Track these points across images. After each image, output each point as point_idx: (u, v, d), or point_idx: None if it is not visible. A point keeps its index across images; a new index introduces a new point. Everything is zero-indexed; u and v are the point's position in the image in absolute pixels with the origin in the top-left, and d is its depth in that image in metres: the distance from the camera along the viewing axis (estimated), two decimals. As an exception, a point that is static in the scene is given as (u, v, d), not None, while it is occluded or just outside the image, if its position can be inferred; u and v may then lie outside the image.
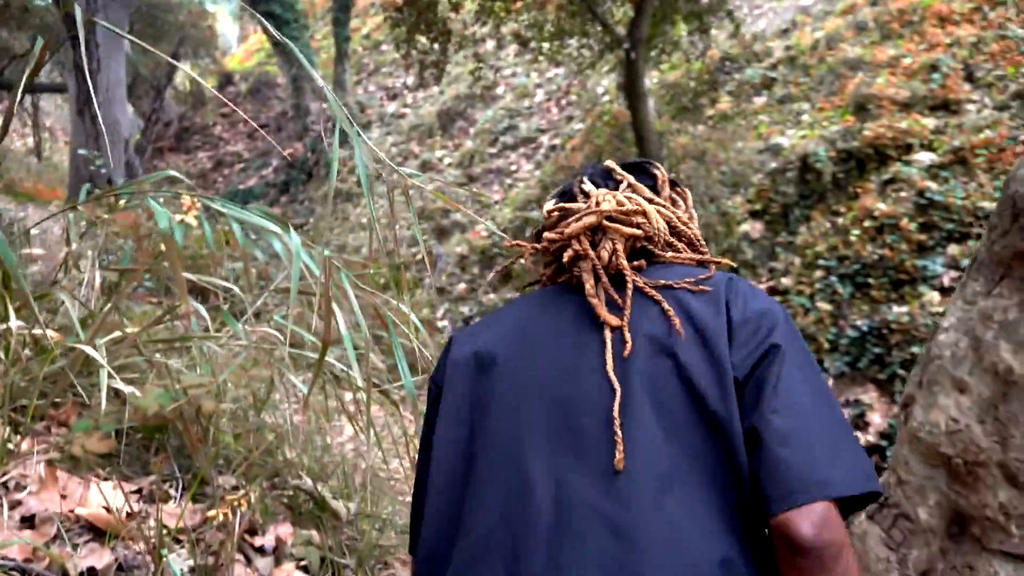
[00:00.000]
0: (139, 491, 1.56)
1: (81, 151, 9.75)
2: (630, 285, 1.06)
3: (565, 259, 1.11)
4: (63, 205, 10.07)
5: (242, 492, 1.61)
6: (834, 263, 7.50)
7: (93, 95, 9.84)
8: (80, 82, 10.11)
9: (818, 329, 7.11)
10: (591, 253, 1.08)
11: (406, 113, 16.57)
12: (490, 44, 16.58)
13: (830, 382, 6.80)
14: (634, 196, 1.17)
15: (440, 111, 15.43)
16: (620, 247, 1.09)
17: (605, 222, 1.09)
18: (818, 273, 7.56)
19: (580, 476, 0.94)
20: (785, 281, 7.86)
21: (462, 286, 10.64)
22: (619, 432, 0.93)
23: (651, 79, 10.26)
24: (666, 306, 1.02)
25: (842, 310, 7.16)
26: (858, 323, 6.95)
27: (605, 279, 1.07)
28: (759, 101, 10.26)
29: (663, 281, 1.06)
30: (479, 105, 15.13)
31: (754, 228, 8.58)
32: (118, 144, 10.13)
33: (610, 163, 1.26)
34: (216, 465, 1.74)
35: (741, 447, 0.92)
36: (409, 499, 1.24)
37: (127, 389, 1.74)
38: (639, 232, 1.11)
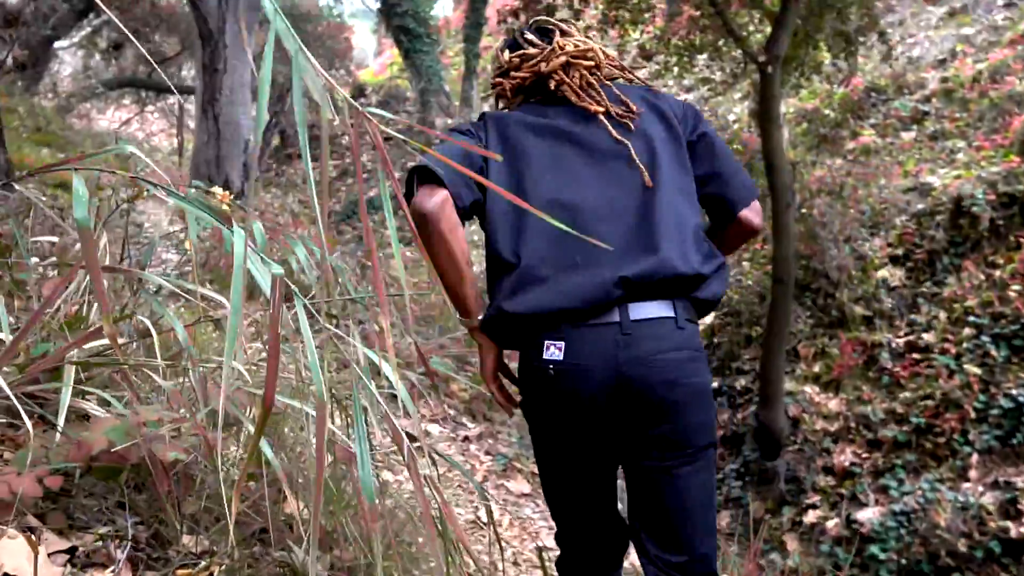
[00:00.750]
0: (72, 551, 1.24)
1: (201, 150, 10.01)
2: (607, 90, 1.64)
3: (552, 86, 1.62)
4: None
5: (204, 564, 1.27)
6: (987, 321, 6.64)
7: (217, 95, 10.06)
8: (206, 82, 10.37)
9: (964, 395, 6.29)
10: (566, 79, 1.61)
11: (529, 131, 16.35)
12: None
13: (974, 458, 5.99)
14: (581, 40, 1.67)
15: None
16: (585, 73, 1.62)
17: (572, 60, 1.61)
18: (967, 331, 6.71)
19: (623, 192, 1.52)
20: (927, 337, 7.04)
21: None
22: (641, 165, 1.53)
23: (787, 107, 9.58)
24: (627, 99, 1.63)
25: (995, 375, 6.30)
26: (1013, 392, 6.09)
27: (583, 94, 1.60)
28: (907, 136, 9.39)
29: (617, 91, 1.65)
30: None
31: (894, 275, 7.77)
32: (237, 144, 10.32)
33: (540, 20, 1.74)
34: (188, 518, 1.41)
35: (691, 176, 1.60)
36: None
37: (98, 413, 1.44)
38: (593, 63, 1.64)
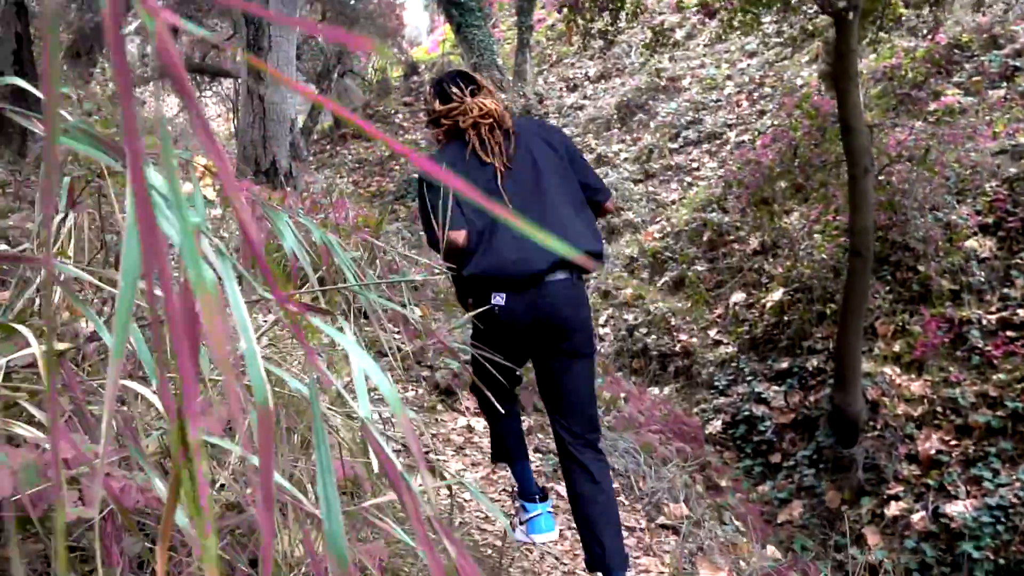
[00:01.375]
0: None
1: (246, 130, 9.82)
2: (513, 132, 2.49)
3: (470, 134, 2.46)
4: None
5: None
6: (1092, 294, 6.01)
7: (262, 75, 9.85)
8: (249, 61, 10.18)
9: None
10: (472, 135, 2.44)
11: (584, 105, 15.85)
12: (670, 20, 15.55)
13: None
14: (492, 100, 2.51)
15: (619, 103, 14.57)
16: (486, 129, 2.44)
17: (478, 120, 2.44)
18: (1069, 305, 6.10)
19: (540, 212, 2.36)
20: (1022, 313, 6.43)
21: (628, 291, 9.79)
22: (551, 186, 2.44)
23: (860, 68, 8.94)
24: (522, 138, 2.49)
25: (1103, 356, 5.70)
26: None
27: (489, 137, 2.43)
28: (997, 94, 8.66)
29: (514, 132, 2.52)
30: (661, 98, 14.14)
31: (983, 245, 7.15)
32: (282, 124, 10.09)
33: (465, 70, 2.69)
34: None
35: (576, 181, 2.49)
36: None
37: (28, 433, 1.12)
38: (492, 120, 2.45)
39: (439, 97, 2.52)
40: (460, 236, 2.34)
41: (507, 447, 2.71)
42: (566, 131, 15.53)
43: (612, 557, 2.33)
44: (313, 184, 14.07)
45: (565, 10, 8.69)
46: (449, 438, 3.63)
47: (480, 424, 3.78)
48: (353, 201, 17.50)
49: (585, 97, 16.31)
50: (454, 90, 2.49)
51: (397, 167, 18.62)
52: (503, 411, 2.38)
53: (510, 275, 2.33)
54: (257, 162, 9.90)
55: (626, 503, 3.64)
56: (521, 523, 2.67)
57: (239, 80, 23.05)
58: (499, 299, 2.36)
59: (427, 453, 3.19)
